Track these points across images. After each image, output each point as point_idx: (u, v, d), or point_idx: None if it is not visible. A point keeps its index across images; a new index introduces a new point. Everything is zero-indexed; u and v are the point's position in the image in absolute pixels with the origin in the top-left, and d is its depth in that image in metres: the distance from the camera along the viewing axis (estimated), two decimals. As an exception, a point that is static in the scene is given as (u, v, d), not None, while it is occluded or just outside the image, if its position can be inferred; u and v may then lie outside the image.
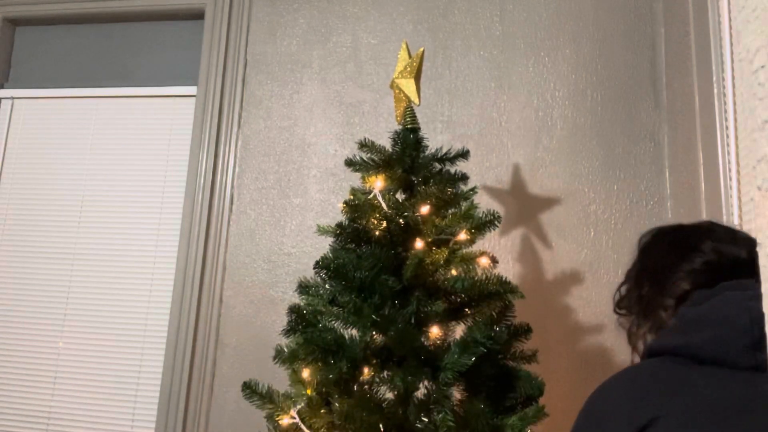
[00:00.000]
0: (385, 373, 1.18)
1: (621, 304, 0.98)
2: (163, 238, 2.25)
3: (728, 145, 1.37)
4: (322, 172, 2.12)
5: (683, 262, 0.89)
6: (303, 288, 1.34)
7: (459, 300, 1.29)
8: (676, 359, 0.78)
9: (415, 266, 1.21)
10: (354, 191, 1.34)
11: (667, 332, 0.85)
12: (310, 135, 2.16)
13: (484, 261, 1.28)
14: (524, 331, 1.34)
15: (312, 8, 2.24)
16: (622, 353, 1.78)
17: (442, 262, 1.23)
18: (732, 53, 1.38)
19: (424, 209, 1.28)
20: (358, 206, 1.30)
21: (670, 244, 0.95)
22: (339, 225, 1.34)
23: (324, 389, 1.22)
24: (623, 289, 0.98)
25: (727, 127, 1.38)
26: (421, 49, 1.46)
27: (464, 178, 1.41)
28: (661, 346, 0.82)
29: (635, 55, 1.98)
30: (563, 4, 2.05)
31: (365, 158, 1.39)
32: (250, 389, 1.29)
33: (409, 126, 1.41)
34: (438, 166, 1.42)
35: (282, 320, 1.34)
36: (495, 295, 1.26)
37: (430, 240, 1.26)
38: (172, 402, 2.03)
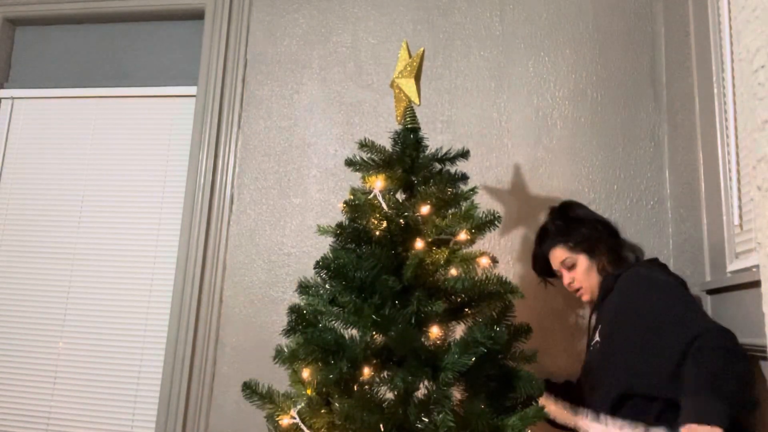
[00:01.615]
0: (386, 373, 1.18)
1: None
2: (163, 238, 2.25)
3: (728, 145, 1.37)
4: (322, 172, 2.12)
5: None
6: (303, 288, 1.34)
7: (459, 300, 1.29)
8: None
9: (416, 266, 1.21)
10: (354, 191, 1.34)
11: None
12: (310, 135, 2.16)
13: (484, 261, 1.28)
14: (524, 331, 1.34)
15: (312, 8, 2.24)
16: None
17: (442, 262, 1.23)
18: (732, 53, 1.38)
19: (425, 209, 1.28)
20: (358, 206, 1.30)
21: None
22: (339, 225, 1.33)
23: (324, 389, 1.22)
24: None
25: (727, 127, 1.38)
26: (422, 49, 1.45)
27: (464, 178, 1.40)
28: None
29: (635, 55, 1.98)
30: (563, 4, 2.05)
31: (365, 158, 1.39)
32: (250, 389, 1.29)
33: (409, 126, 1.41)
34: (438, 166, 1.41)
35: (282, 320, 1.34)
36: (495, 295, 1.26)
37: (430, 240, 1.26)
38: (172, 402, 2.03)
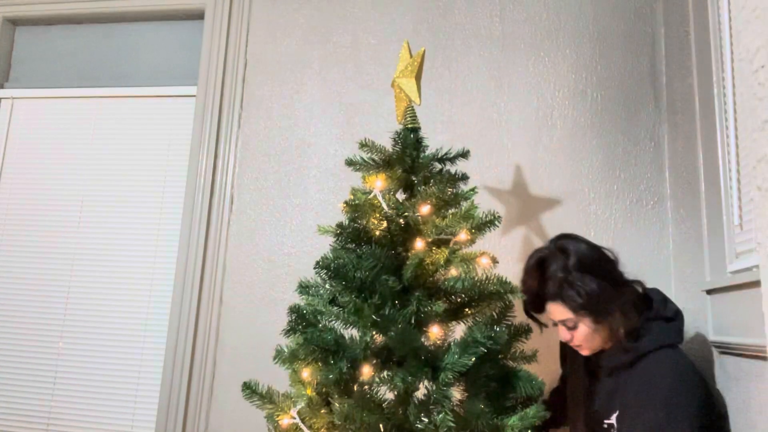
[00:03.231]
0: (385, 373, 1.18)
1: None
2: (163, 238, 2.25)
3: (728, 145, 1.37)
4: (322, 172, 2.12)
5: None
6: (303, 288, 1.34)
7: (459, 300, 1.29)
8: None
9: (416, 266, 1.21)
10: (354, 191, 1.34)
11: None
12: (310, 135, 2.15)
13: (484, 261, 1.28)
14: (524, 331, 1.34)
15: (312, 8, 2.24)
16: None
17: (442, 262, 1.23)
18: (732, 53, 1.38)
19: (425, 209, 1.27)
20: (358, 206, 1.30)
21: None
22: (339, 225, 1.33)
23: (324, 389, 1.22)
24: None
25: (727, 127, 1.38)
26: (422, 49, 1.45)
27: (464, 178, 1.40)
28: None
29: (635, 55, 1.98)
30: (563, 4, 2.05)
31: (365, 158, 1.39)
32: (250, 389, 1.29)
33: (409, 126, 1.41)
34: (438, 166, 1.41)
35: (282, 320, 1.34)
36: (495, 295, 1.26)
37: (430, 240, 1.26)
38: (172, 402, 2.03)
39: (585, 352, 1.42)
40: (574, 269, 1.34)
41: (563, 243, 1.41)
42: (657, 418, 1.23)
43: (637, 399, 1.28)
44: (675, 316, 1.37)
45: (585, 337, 1.37)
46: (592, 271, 1.34)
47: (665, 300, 1.40)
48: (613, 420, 1.35)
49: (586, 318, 1.34)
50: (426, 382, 1.17)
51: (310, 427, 1.20)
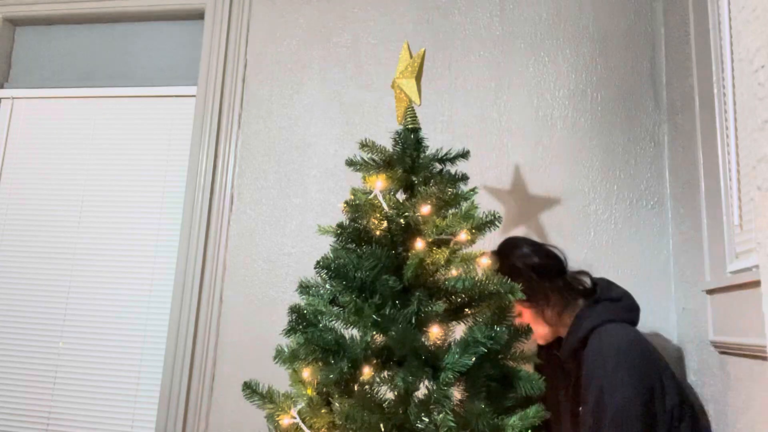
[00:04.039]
0: (386, 373, 1.18)
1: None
2: (163, 238, 2.25)
3: (728, 145, 1.37)
4: (322, 172, 2.12)
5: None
6: (303, 288, 1.34)
7: (459, 300, 1.29)
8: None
9: (416, 266, 1.21)
10: (354, 191, 1.34)
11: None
12: (310, 135, 2.16)
13: (484, 261, 1.28)
14: (524, 331, 1.34)
15: (312, 8, 2.24)
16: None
17: (442, 262, 1.23)
18: (732, 53, 1.38)
19: (425, 209, 1.28)
20: (358, 206, 1.30)
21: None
22: (339, 225, 1.33)
23: (324, 389, 1.22)
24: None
25: (727, 127, 1.38)
26: (423, 50, 1.45)
27: (464, 178, 1.40)
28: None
29: (635, 55, 1.98)
30: (563, 4, 2.05)
31: (366, 158, 1.39)
32: (250, 389, 1.29)
33: (409, 126, 1.41)
34: (438, 166, 1.41)
35: (282, 320, 1.34)
36: (495, 295, 1.26)
37: (430, 240, 1.26)
38: (172, 402, 2.03)
39: (540, 341, 1.55)
40: (504, 270, 1.44)
41: (497, 250, 1.59)
42: (597, 388, 1.31)
43: (586, 375, 1.36)
44: (621, 297, 1.48)
45: (531, 323, 1.46)
46: (518, 271, 1.49)
47: (610, 284, 1.53)
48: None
49: (522, 306, 1.49)
50: (426, 382, 1.17)
51: (310, 427, 1.20)
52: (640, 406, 1.28)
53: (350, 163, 1.40)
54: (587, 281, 1.55)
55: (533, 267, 1.51)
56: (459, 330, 1.28)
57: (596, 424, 1.30)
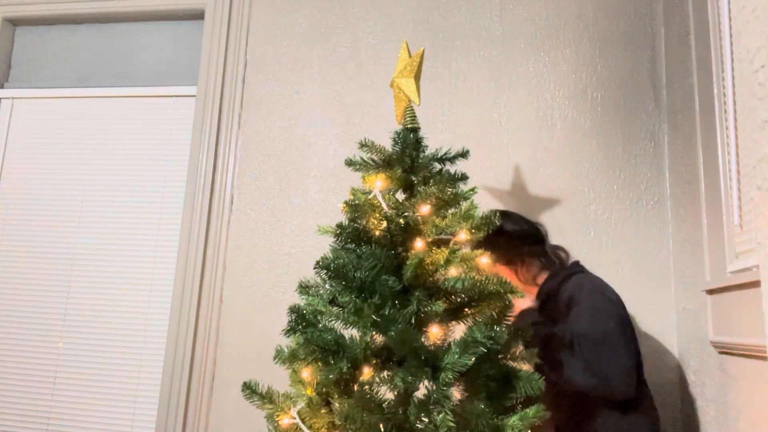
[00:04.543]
0: (386, 373, 1.18)
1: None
2: (163, 238, 2.25)
3: (728, 145, 1.37)
4: (322, 172, 2.12)
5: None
6: (303, 288, 1.33)
7: (459, 300, 1.29)
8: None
9: (416, 266, 1.21)
10: (354, 191, 1.34)
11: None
12: (310, 135, 2.16)
13: (484, 261, 1.28)
14: (524, 331, 1.34)
15: (312, 8, 2.24)
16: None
17: (442, 262, 1.23)
18: (732, 53, 1.38)
19: (424, 209, 1.27)
20: (358, 206, 1.30)
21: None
22: (339, 225, 1.33)
23: (324, 389, 1.22)
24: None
25: (727, 127, 1.38)
26: (421, 49, 1.45)
27: (464, 177, 1.40)
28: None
29: (635, 55, 1.98)
30: (563, 4, 2.05)
31: (365, 158, 1.39)
32: (250, 389, 1.29)
33: (409, 126, 1.40)
34: (438, 166, 1.41)
35: (282, 320, 1.34)
36: (495, 295, 1.26)
37: (430, 240, 1.26)
38: (172, 402, 2.03)
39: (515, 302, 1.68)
40: (492, 233, 1.50)
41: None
42: (575, 304, 1.45)
43: (564, 302, 1.49)
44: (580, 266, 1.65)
45: None
46: (503, 233, 1.62)
47: (577, 262, 1.68)
48: None
49: (500, 266, 1.61)
50: (426, 382, 1.17)
51: (310, 427, 1.20)
52: (616, 315, 1.41)
53: (350, 162, 1.39)
54: (563, 255, 1.73)
55: (515, 232, 1.67)
56: (459, 330, 1.28)
57: (574, 336, 1.40)
